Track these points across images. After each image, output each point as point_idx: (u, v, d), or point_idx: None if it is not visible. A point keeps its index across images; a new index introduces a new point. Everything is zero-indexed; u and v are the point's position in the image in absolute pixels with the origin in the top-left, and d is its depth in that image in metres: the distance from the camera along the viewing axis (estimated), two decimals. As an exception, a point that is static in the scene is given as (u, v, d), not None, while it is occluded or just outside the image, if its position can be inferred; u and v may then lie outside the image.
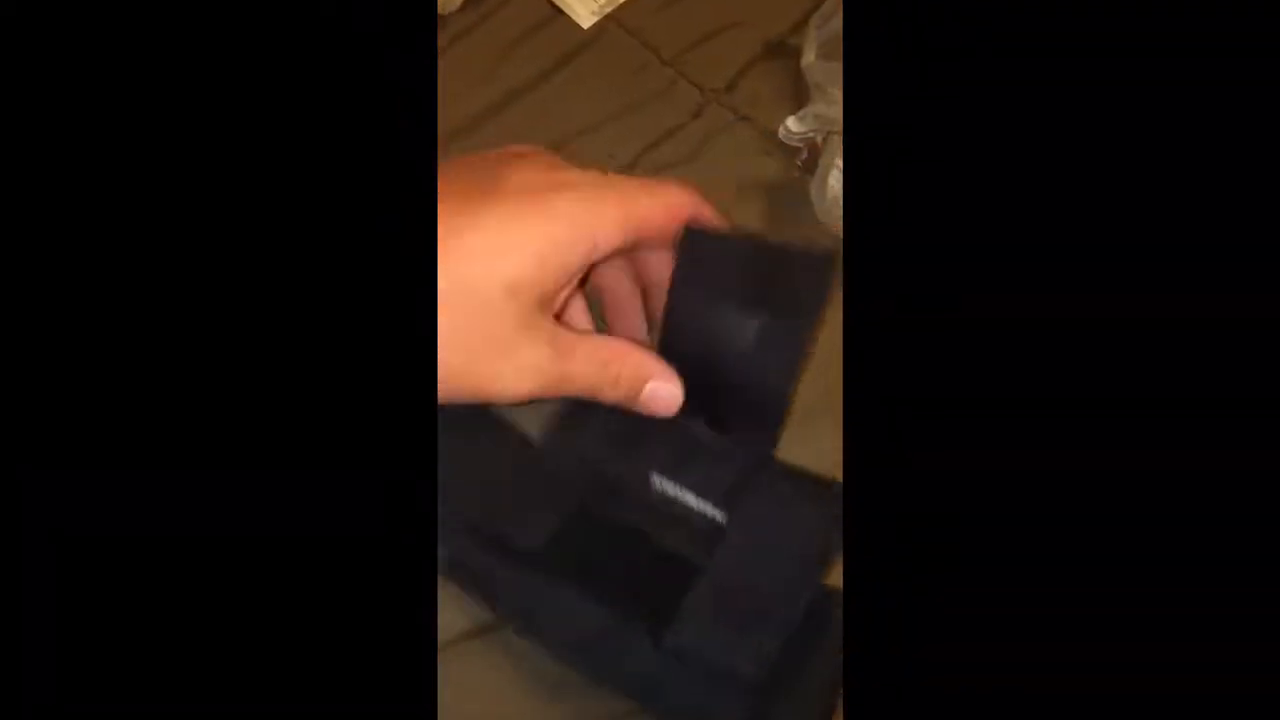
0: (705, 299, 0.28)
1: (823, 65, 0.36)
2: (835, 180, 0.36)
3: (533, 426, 0.31)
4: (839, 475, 0.28)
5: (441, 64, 0.39)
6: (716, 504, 0.29)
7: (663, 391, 0.29)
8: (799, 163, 0.38)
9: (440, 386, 0.25)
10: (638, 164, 0.38)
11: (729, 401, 0.29)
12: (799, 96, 0.39)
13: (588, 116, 0.39)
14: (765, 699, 0.27)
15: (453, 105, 0.39)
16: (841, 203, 0.35)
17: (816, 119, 0.37)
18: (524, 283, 0.26)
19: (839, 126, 0.36)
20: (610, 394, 0.29)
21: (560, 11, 0.41)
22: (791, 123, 0.38)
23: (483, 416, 0.30)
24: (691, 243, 0.29)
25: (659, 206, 0.28)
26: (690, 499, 0.29)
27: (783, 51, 0.41)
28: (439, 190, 0.24)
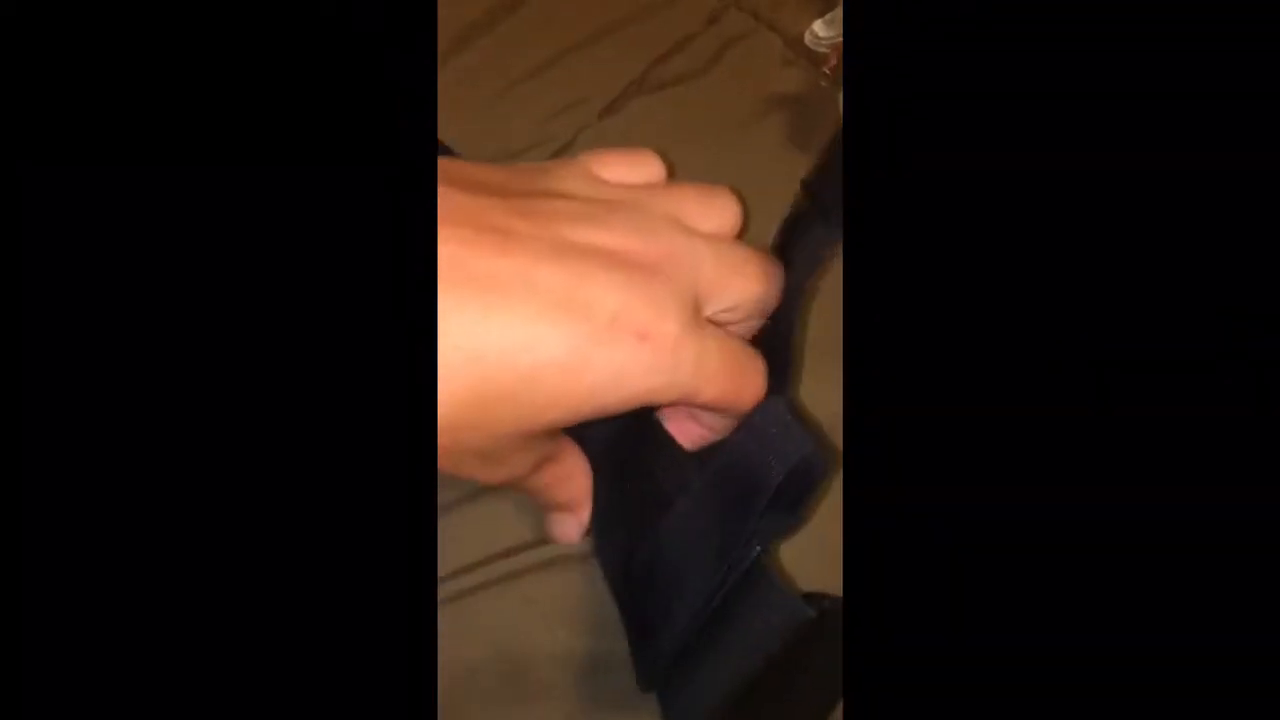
0: None
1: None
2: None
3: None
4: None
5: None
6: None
7: (563, 526, 0.28)
8: (826, 71, 0.35)
9: None
10: (645, 79, 0.35)
11: None
12: (826, -3, 0.35)
13: (591, 24, 0.36)
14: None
15: (450, 9, 0.35)
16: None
17: (848, 24, 0.34)
18: (555, 425, 0.23)
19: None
20: (535, 496, 0.27)
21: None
22: (819, 27, 0.35)
23: None
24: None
25: (748, 393, 0.25)
26: None
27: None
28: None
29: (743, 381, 0.25)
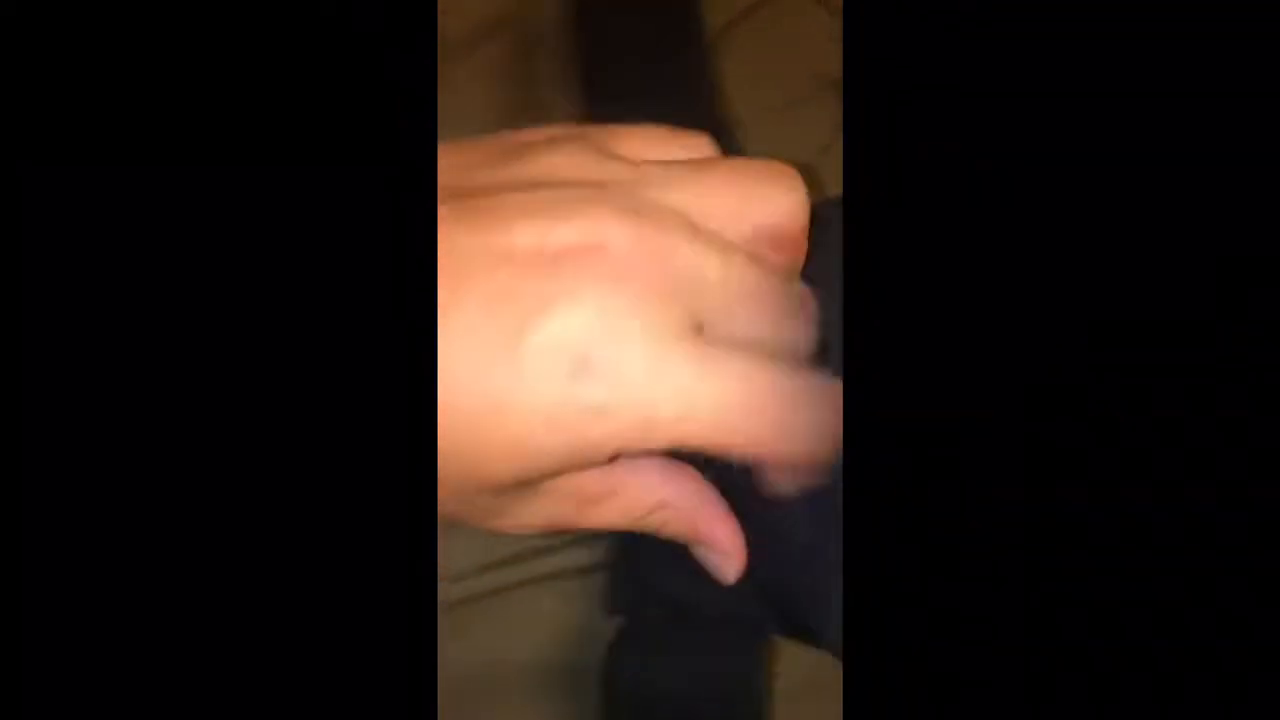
0: None
1: None
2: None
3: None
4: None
5: None
6: None
7: (714, 563, 0.22)
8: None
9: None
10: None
11: None
12: None
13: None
14: None
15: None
16: None
17: None
18: (512, 481, 0.19)
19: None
20: (656, 533, 0.22)
21: None
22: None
23: None
24: None
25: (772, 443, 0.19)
26: None
27: None
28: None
29: (759, 425, 0.19)
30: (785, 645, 0.28)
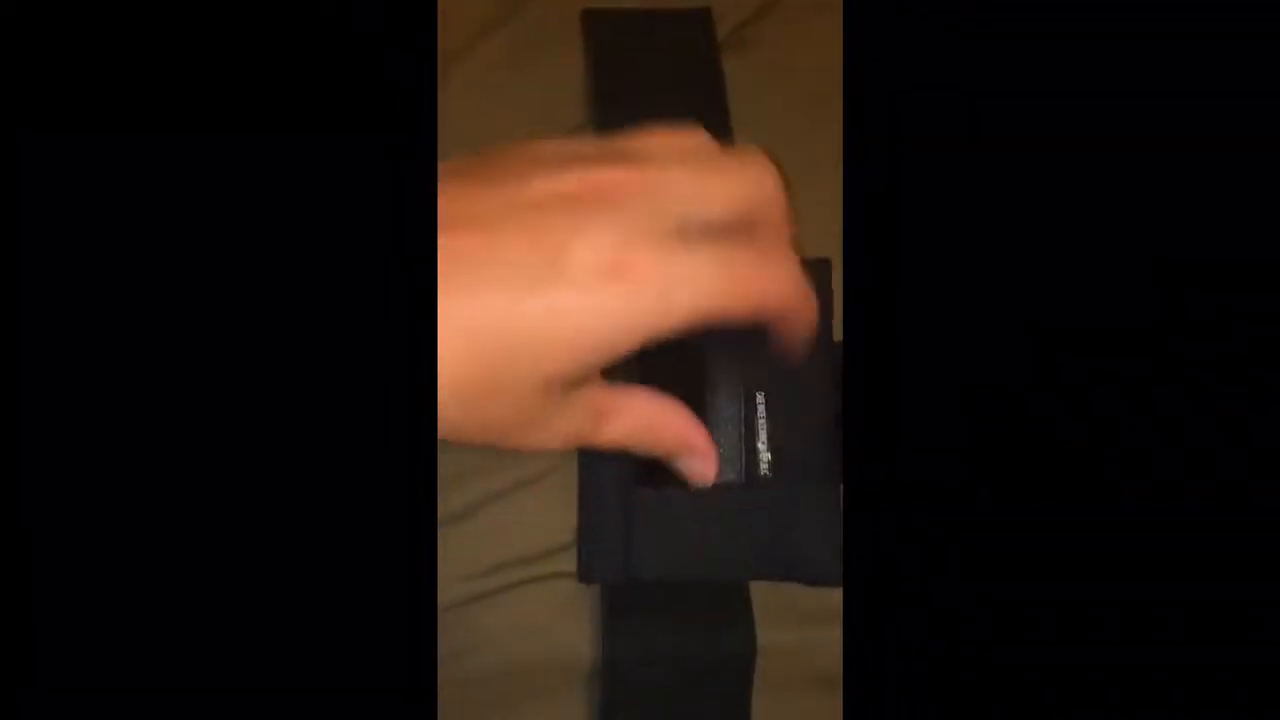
0: None
1: None
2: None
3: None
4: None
5: None
6: None
7: (695, 469, 0.28)
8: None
9: (460, 440, 0.23)
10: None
11: None
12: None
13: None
14: None
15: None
16: None
17: None
18: (566, 376, 0.23)
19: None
20: (644, 452, 0.27)
21: None
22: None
23: None
24: None
25: (769, 293, 0.24)
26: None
27: None
28: (468, 222, 0.21)
29: (761, 280, 0.24)
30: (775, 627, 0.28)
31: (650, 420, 0.27)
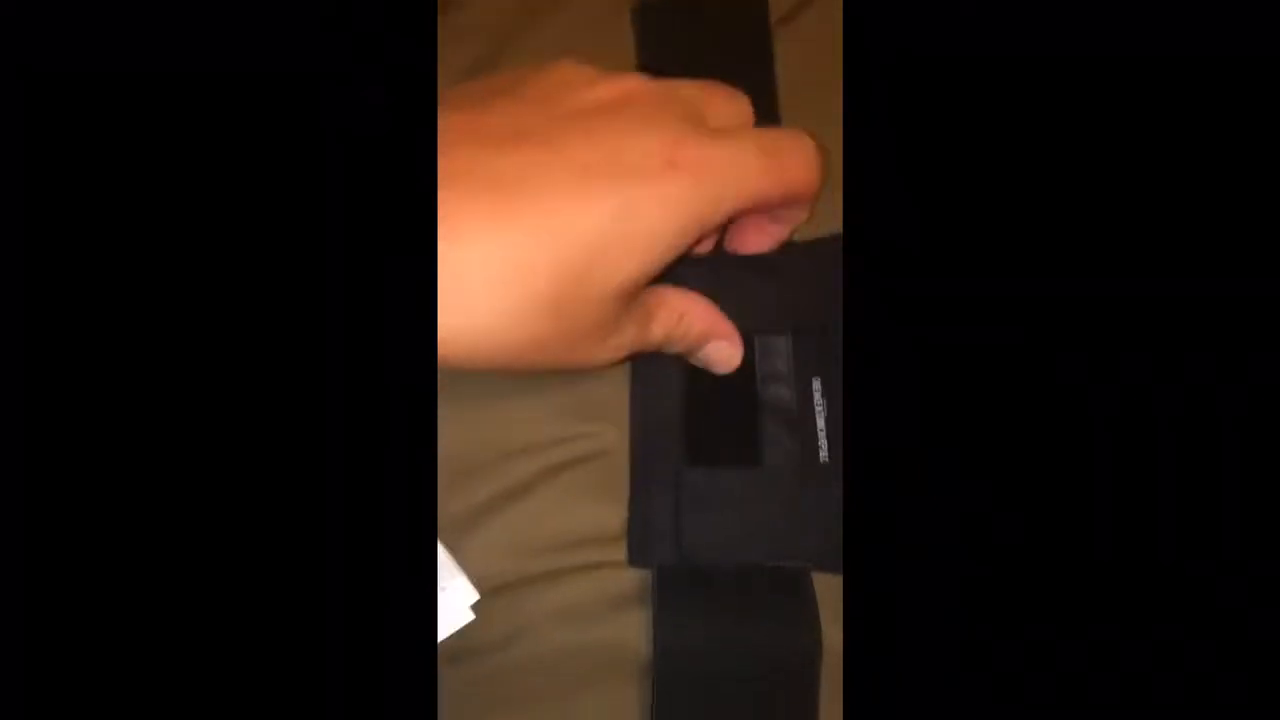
0: None
1: None
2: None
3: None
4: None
5: None
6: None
7: (724, 352, 0.29)
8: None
9: (530, 365, 0.24)
10: None
11: None
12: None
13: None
14: None
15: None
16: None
17: None
18: (638, 283, 0.24)
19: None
20: (678, 346, 0.28)
21: None
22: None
23: None
24: None
25: (799, 174, 0.26)
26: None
27: None
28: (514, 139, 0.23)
29: (791, 162, 0.26)
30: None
31: (682, 310, 0.28)
